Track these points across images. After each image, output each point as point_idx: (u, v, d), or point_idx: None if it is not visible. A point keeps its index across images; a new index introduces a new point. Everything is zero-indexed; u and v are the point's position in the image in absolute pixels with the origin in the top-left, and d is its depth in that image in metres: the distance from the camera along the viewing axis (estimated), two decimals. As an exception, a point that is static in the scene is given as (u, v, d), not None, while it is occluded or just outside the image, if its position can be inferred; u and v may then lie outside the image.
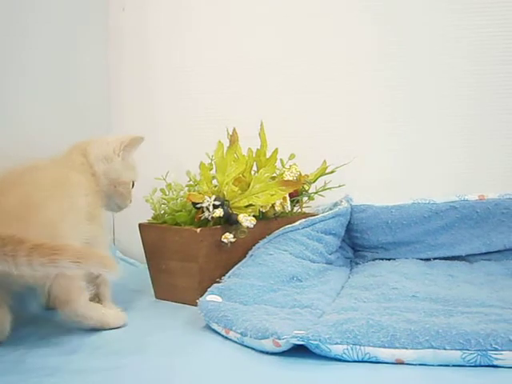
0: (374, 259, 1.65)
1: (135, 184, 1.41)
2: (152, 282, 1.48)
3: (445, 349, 0.94)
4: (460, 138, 1.71)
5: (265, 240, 1.48)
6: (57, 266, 0.99)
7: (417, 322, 1.01)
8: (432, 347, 0.95)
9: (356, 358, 0.98)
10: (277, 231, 1.50)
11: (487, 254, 1.60)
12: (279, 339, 1.00)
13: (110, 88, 1.91)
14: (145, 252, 1.48)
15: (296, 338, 0.98)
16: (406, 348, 0.96)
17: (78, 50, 1.70)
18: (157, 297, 1.47)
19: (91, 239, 1.22)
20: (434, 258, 1.61)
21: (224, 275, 1.36)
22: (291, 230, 1.51)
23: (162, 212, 1.48)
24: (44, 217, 1.10)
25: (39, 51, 1.49)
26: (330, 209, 1.65)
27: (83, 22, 1.75)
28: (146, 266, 1.51)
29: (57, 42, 1.58)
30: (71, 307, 1.13)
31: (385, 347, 0.97)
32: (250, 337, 1.05)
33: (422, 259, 1.61)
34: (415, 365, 0.96)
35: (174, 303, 1.42)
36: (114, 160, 1.34)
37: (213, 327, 1.17)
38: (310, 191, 1.65)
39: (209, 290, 1.27)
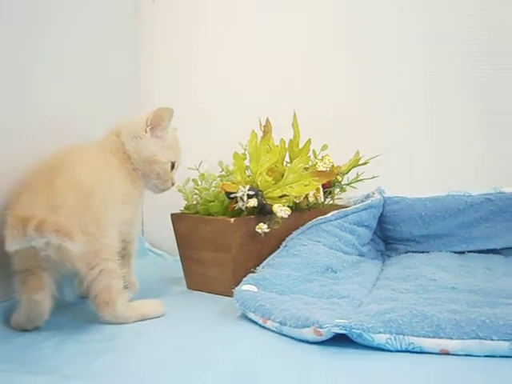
0: (406, 252, 1.62)
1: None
2: (184, 273, 1.48)
3: (492, 339, 0.93)
4: (497, 129, 1.68)
5: (298, 231, 1.46)
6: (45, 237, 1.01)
7: (462, 313, 1.00)
8: (478, 337, 0.93)
9: (399, 348, 0.96)
10: (310, 222, 1.49)
11: (523, 248, 1.57)
12: (321, 328, 0.98)
13: (140, 78, 1.90)
14: (177, 242, 1.48)
15: (338, 326, 0.97)
16: (452, 338, 0.94)
17: (109, 44, 1.69)
18: (189, 287, 1.46)
19: (126, 221, 1.25)
20: (469, 251, 1.58)
21: (257, 266, 1.35)
22: (324, 222, 1.49)
23: (195, 202, 1.46)
24: (92, 204, 1.14)
25: (71, 41, 1.48)
26: (362, 201, 1.63)
27: (114, 14, 1.74)
28: (175, 257, 1.50)
29: (89, 34, 1.57)
30: (110, 309, 1.14)
31: (429, 337, 0.95)
32: (290, 326, 1.04)
33: (455, 252, 1.58)
34: (461, 355, 0.94)
35: (206, 293, 1.41)
36: (143, 137, 1.32)
37: (249, 316, 1.15)
38: (342, 183, 1.63)
39: (244, 279, 1.26)
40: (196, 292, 1.44)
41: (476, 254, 1.56)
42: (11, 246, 1.03)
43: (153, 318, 1.20)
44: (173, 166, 1.37)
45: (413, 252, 1.61)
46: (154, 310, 1.21)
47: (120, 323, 1.15)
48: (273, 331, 1.09)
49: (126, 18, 1.84)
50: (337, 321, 0.99)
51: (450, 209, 1.60)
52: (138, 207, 1.38)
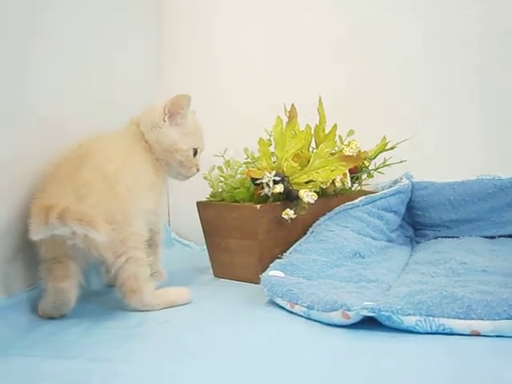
0: (435, 237, 1.60)
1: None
2: (210, 261, 1.47)
3: (524, 320, 0.91)
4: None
5: (325, 217, 1.45)
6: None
7: (492, 293, 0.98)
8: (510, 318, 0.91)
9: (429, 330, 0.95)
10: (337, 208, 1.47)
11: (555, 232, 1.54)
12: (349, 311, 0.97)
13: (163, 68, 1.89)
14: (203, 230, 1.47)
15: (367, 309, 0.95)
16: (483, 319, 0.93)
17: (130, 34, 1.69)
18: (215, 275, 1.46)
19: (152, 210, 1.24)
20: (499, 236, 1.55)
21: (284, 252, 1.34)
22: (351, 207, 1.48)
23: (220, 190, 1.46)
24: (118, 192, 1.13)
25: (92, 30, 1.48)
26: (390, 186, 1.62)
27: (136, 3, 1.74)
28: (202, 247, 1.49)
29: (111, 27, 1.57)
30: (137, 297, 1.14)
31: (460, 318, 0.94)
32: (317, 310, 1.03)
33: (486, 237, 1.56)
34: (492, 336, 0.93)
35: (233, 281, 1.41)
36: (161, 126, 1.30)
37: (277, 302, 1.14)
38: (369, 168, 1.61)
39: (271, 265, 1.25)
40: (223, 280, 1.43)
41: (507, 239, 1.54)
42: (35, 235, 1.03)
43: (180, 305, 1.19)
44: (195, 152, 1.35)
45: (442, 237, 1.59)
46: (182, 297, 1.21)
47: (147, 310, 1.15)
48: (301, 316, 1.08)
49: (149, 7, 1.84)
50: (365, 303, 0.97)
51: (480, 193, 1.58)
52: (162, 196, 1.37)
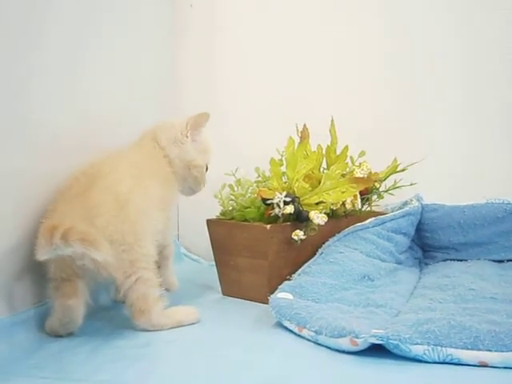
0: (444, 260, 1.60)
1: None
2: (219, 279, 1.48)
3: (532, 352, 0.91)
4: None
5: (335, 238, 1.45)
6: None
7: (501, 324, 0.98)
8: (518, 350, 0.91)
9: (437, 360, 0.95)
10: (346, 229, 1.47)
11: None
12: (357, 338, 0.97)
13: (176, 84, 1.91)
14: (212, 248, 1.48)
15: (375, 337, 0.96)
16: (491, 350, 0.93)
17: (146, 46, 1.70)
18: (224, 293, 1.46)
19: (162, 229, 1.26)
20: (508, 260, 1.55)
21: (293, 273, 1.34)
22: (361, 229, 1.48)
23: (231, 208, 1.46)
24: (128, 213, 1.14)
25: (109, 43, 1.50)
26: (400, 208, 1.62)
27: (152, 18, 1.76)
28: (210, 263, 1.50)
29: (126, 37, 1.58)
30: (146, 318, 1.15)
31: (468, 349, 0.94)
32: (326, 335, 1.03)
33: (494, 261, 1.56)
34: (499, 368, 0.93)
35: (241, 300, 1.41)
36: (184, 142, 1.36)
37: (285, 324, 1.15)
38: (380, 189, 1.61)
39: (279, 287, 1.25)
40: (231, 298, 1.44)
41: (515, 263, 1.54)
42: (41, 256, 1.04)
43: (188, 325, 1.20)
44: (207, 169, 1.41)
45: (451, 260, 1.59)
46: (189, 317, 1.21)
47: (156, 330, 1.16)
48: (308, 340, 1.08)
49: (163, 21, 1.85)
50: (373, 331, 0.97)
51: (489, 217, 1.58)
52: (173, 210, 1.40)
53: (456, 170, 1.70)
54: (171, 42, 1.90)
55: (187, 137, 1.36)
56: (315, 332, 1.06)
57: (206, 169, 1.41)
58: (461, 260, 1.58)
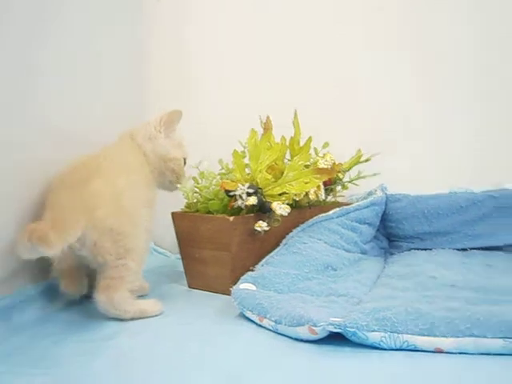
0: (409, 249, 1.61)
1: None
2: (185, 271, 1.47)
3: (486, 337, 0.92)
4: (498, 125, 1.67)
5: (298, 229, 1.46)
6: None
7: (457, 310, 0.99)
8: (473, 335, 0.93)
9: (393, 346, 0.96)
10: (311, 220, 1.48)
11: (526, 245, 1.55)
12: (315, 326, 0.98)
13: (143, 75, 1.89)
14: (178, 241, 1.47)
15: (333, 325, 0.96)
16: (446, 336, 0.94)
17: (113, 39, 1.69)
18: (190, 286, 1.46)
19: (148, 222, 1.29)
20: (471, 249, 1.57)
21: (257, 264, 1.34)
22: (325, 219, 1.49)
23: (195, 201, 1.46)
24: (125, 205, 1.20)
25: (73, 40, 1.48)
26: (365, 198, 1.63)
27: (118, 13, 1.74)
28: (177, 256, 1.50)
29: (91, 31, 1.57)
30: (110, 294, 1.16)
31: (423, 335, 0.95)
32: (285, 324, 1.04)
33: (458, 249, 1.57)
34: (455, 353, 0.94)
35: (206, 292, 1.41)
36: (158, 137, 1.40)
37: (247, 315, 1.15)
38: (344, 180, 1.62)
39: (242, 278, 1.26)
40: (196, 291, 1.43)
41: (478, 251, 1.56)
42: (23, 256, 1.06)
43: (151, 317, 1.20)
44: (185, 163, 1.45)
45: (416, 249, 1.60)
46: (153, 308, 1.22)
47: (117, 315, 1.17)
48: (269, 330, 1.09)
49: (131, 18, 1.84)
50: (331, 319, 0.98)
51: (453, 206, 1.59)
52: (153, 208, 1.40)
53: (420, 160, 1.71)
54: (139, 37, 1.88)
55: (160, 132, 1.40)
56: (275, 322, 1.06)
57: (185, 162, 1.45)
58: (425, 249, 1.59)
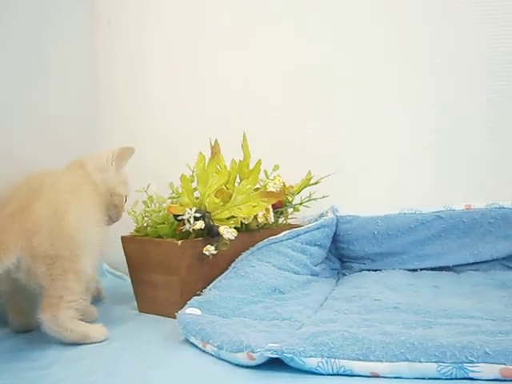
0: (360, 270, 1.63)
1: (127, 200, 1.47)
2: (135, 295, 1.47)
3: (420, 361, 0.93)
4: (445, 148, 1.69)
5: (248, 252, 1.46)
6: None
7: (392, 335, 1.00)
8: (407, 360, 0.93)
9: (331, 371, 0.96)
10: (260, 243, 1.49)
11: (475, 265, 1.58)
12: (253, 352, 0.99)
13: (96, 98, 1.90)
14: (127, 265, 1.48)
15: (270, 351, 0.97)
16: (381, 361, 0.95)
17: (65, 63, 1.69)
18: (140, 310, 1.46)
19: (96, 242, 1.28)
20: (421, 269, 1.60)
21: (206, 288, 1.35)
22: (275, 242, 1.50)
23: (145, 224, 1.46)
24: (66, 225, 1.19)
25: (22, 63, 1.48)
26: (316, 220, 1.64)
27: (70, 35, 1.74)
28: (130, 278, 1.50)
29: (44, 55, 1.57)
30: (54, 312, 1.15)
31: (359, 360, 0.95)
32: (226, 350, 1.04)
33: (409, 270, 1.59)
34: (390, 378, 0.94)
35: (156, 316, 1.41)
36: (109, 169, 1.41)
37: (191, 340, 1.15)
38: (295, 202, 1.63)
39: (188, 302, 1.26)
40: (147, 315, 1.43)
41: (428, 272, 1.58)
42: None
43: (94, 343, 1.20)
44: (126, 200, 1.46)
45: (367, 270, 1.62)
46: (97, 333, 1.21)
47: (60, 334, 1.16)
48: (212, 355, 1.09)
49: (83, 41, 1.84)
50: (269, 345, 0.98)
51: (402, 227, 1.61)
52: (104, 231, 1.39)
53: (370, 182, 1.72)
54: (92, 61, 1.89)
55: (112, 165, 1.41)
56: (217, 347, 1.07)
57: (125, 200, 1.46)
58: (376, 270, 1.60)
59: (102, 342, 1.20)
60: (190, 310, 1.22)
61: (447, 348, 0.93)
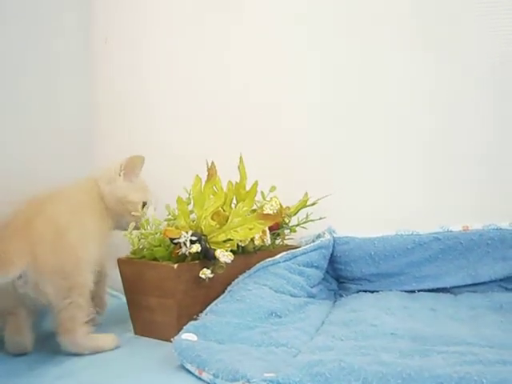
0: (358, 291, 1.62)
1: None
2: (131, 318, 1.47)
3: (418, 392, 0.92)
4: (442, 168, 1.68)
5: (245, 275, 1.45)
6: None
7: (389, 365, 0.99)
8: (403, 390, 0.93)
9: (327, 401, 0.95)
10: (257, 265, 1.48)
11: (472, 286, 1.57)
12: (249, 382, 0.98)
13: (91, 118, 1.90)
14: (123, 287, 1.47)
15: (266, 381, 0.96)
16: (378, 391, 0.94)
17: (60, 83, 1.70)
18: (136, 333, 1.45)
19: (98, 258, 1.37)
20: (419, 290, 1.59)
21: (203, 311, 1.34)
22: (272, 264, 1.49)
23: (141, 247, 1.46)
24: (67, 243, 1.27)
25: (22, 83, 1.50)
26: (313, 241, 1.63)
27: (65, 55, 1.75)
28: (126, 301, 1.49)
29: (39, 74, 1.58)
30: (72, 336, 1.25)
31: (356, 390, 0.95)
32: (222, 378, 1.03)
33: (406, 291, 1.58)
34: (387, 408, 0.94)
35: (152, 339, 1.40)
36: (117, 180, 1.49)
37: (187, 367, 1.14)
38: (292, 223, 1.63)
39: (185, 327, 1.25)
40: (142, 338, 1.42)
41: (426, 293, 1.56)
42: None
43: (108, 351, 1.29)
44: (144, 205, 1.52)
45: (364, 291, 1.61)
46: (108, 343, 1.31)
47: (77, 352, 1.25)
48: (208, 383, 1.08)
49: (79, 60, 1.84)
50: (265, 375, 0.98)
51: (399, 248, 1.60)
52: (107, 240, 1.47)
53: (367, 202, 1.71)
54: (86, 79, 1.89)
55: (120, 175, 1.48)
56: (213, 375, 1.06)
57: (144, 205, 1.52)
58: (373, 291, 1.60)
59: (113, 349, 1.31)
60: (186, 336, 1.21)
61: (444, 378, 0.92)
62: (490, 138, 1.65)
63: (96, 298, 1.45)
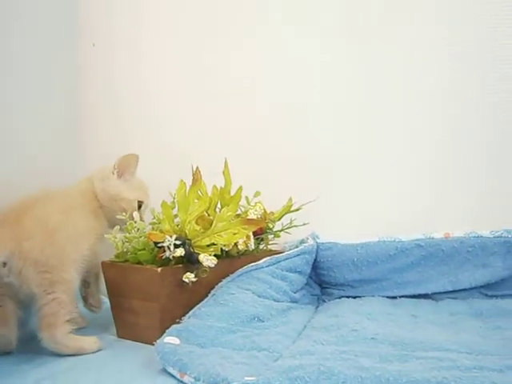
0: (340, 297, 1.63)
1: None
2: (114, 321, 1.47)
3: (395, 397, 0.93)
4: (425, 175, 1.70)
5: (228, 279, 1.46)
6: None
7: (368, 369, 1.00)
8: (382, 395, 0.94)
9: (307, 406, 0.96)
10: (241, 270, 1.49)
11: (453, 293, 1.58)
12: (229, 385, 0.99)
13: (79, 121, 1.90)
14: (107, 290, 1.47)
15: (246, 384, 0.97)
16: (357, 396, 0.95)
17: (48, 85, 1.70)
18: (119, 336, 1.46)
19: (88, 254, 1.41)
20: (401, 296, 1.60)
21: (186, 315, 1.34)
22: (255, 269, 1.50)
23: (125, 250, 1.46)
24: (57, 239, 1.30)
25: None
26: (297, 246, 1.64)
27: (53, 59, 1.75)
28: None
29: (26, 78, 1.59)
30: (52, 332, 1.25)
31: (335, 395, 0.96)
32: (203, 381, 1.04)
33: (388, 297, 1.60)
34: (366, 412, 0.95)
35: (135, 343, 1.41)
36: (110, 177, 1.53)
37: (168, 370, 1.15)
38: (276, 228, 1.64)
39: (167, 330, 1.25)
40: (125, 341, 1.43)
41: (407, 299, 1.58)
42: None
43: (88, 353, 1.29)
44: (140, 206, 1.56)
45: (347, 297, 1.63)
46: (90, 345, 1.31)
47: (58, 350, 1.26)
48: (189, 387, 1.09)
49: (66, 63, 1.85)
50: (246, 378, 0.99)
51: (382, 254, 1.62)
52: (100, 238, 1.49)
53: (350, 208, 1.73)
54: (74, 82, 1.90)
55: (113, 173, 1.52)
56: (194, 378, 1.06)
57: (140, 206, 1.56)
58: (355, 297, 1.61)
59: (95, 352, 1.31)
60: (169, 339, 1.21)
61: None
62: (477, 149, 1.67)
63: (91, 298, 1.53)
